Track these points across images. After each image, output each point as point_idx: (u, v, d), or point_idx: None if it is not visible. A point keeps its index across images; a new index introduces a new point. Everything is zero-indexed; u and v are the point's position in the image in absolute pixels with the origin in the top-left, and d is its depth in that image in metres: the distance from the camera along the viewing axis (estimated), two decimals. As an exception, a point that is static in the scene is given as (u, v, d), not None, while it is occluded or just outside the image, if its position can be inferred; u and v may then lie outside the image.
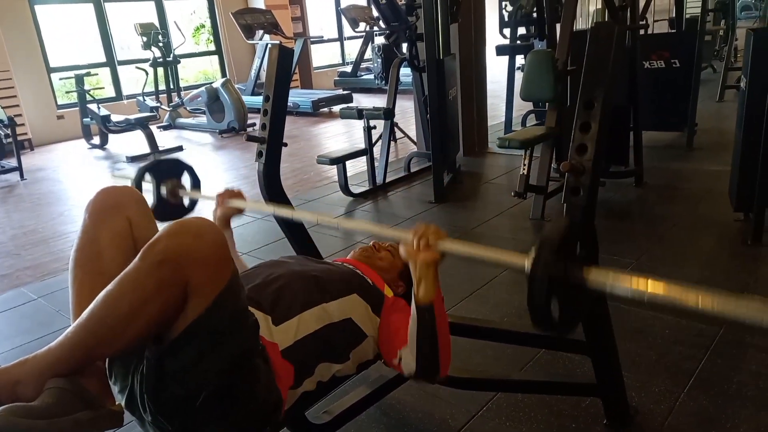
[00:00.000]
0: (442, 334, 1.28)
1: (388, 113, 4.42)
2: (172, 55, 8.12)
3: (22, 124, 7.17)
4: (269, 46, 2.01)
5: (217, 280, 1.01)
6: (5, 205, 5.15)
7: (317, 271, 1.45)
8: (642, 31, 5.49)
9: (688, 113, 4.89)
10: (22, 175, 5.90)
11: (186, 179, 1.94)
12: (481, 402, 1.92)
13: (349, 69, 10.85)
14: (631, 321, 2.38)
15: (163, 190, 1.86)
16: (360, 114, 4.38)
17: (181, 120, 8.37)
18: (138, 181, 1.82)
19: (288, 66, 2.01)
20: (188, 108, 8.25)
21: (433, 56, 3.90)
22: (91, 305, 1.01)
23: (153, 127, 7.23)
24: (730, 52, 7.61)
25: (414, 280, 1.25)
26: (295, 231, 2.16)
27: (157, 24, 8.56)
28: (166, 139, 7.47)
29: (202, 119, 7.99)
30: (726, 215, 3.28)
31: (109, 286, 1.01)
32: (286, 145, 2.11)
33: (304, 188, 4.90)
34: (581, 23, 8.31)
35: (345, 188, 4.34)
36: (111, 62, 8.70)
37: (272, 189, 2.04)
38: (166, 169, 1.90)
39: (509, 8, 5.97)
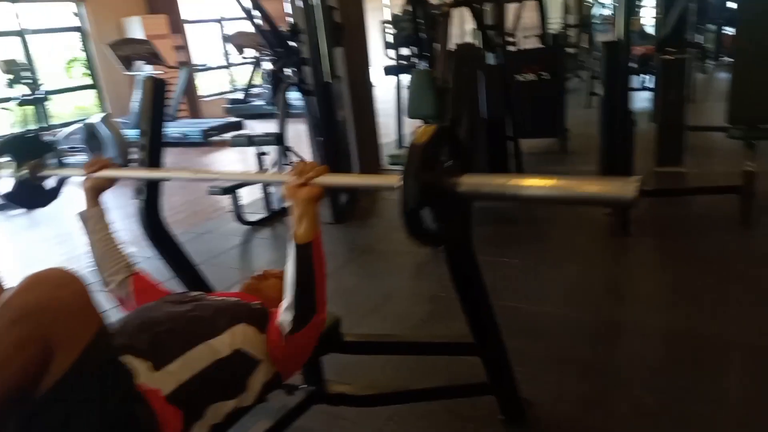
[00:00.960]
0: (319, 273, 1.31)
1: (278, 138, 4.40)
2: (40, 93, 7.56)
3: None
4: (145, 78, 1.93)
5: (81, 333, 0.96)
6: None
7: (198, 308, 1.40)
8: (514, 48, 5.93)
9: (560, 121, 5.32)
10: None
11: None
12: (384, 416, 1.94)
13: (239, 96, 10.68)
14: (519, 319, 2.52)
15: (24, 171, 1.71)
16: (250, 141, 4.32)
17: (56, 160, 7.79)
18: None
19: (161, 97, 1.95)
20: (64, 146, 7.70)
21: (319, 80, 3.95)
22: None
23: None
24: (593, 63, 8.37)
25: (294, 218, 1.26)
26: (184, 267, 2.08)
27: (22, 59, 7.95)
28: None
29: (81, 158, 7.49)
30: (597, 212, 3.58)
31: None
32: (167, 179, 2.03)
33: (197, 221, 4.73)
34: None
35: (239, 217, 4.25)
36: (-31, 101, 7.93)
37: (153, 226, 1.95)
38: (25, 146, 1.75)
39: (392, 30, 6.18)
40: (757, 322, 2.28)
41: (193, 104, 10.68)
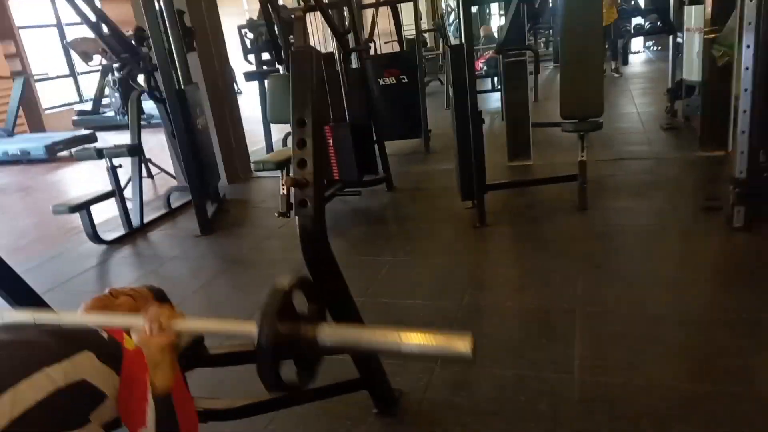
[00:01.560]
0: (185, 423, 1.23)
1: (133, 150, 4.12)
2: None
3: None
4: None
5: None
6: None
7: (37, 333, 1.27)
8: (372, 52, 6.09)
9: (422, 122, 5.57)
10: None
11: None
12: (261, 425, 1.90)
13: (88, 107, 9.85)
14: (391, 313, 2.61)
15: None
16: (100, 153, 4.00)
17: None
18: None
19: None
20: None
21: (171, 86, 3.77)
22: None
23: None
24: (447, 67, 8.87)
25: (149, 367, 1.18)
26: (17, 292, 1.88)
27: None
28: None
29: None
30: (459, 206, 3.80)
31: None
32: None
33: (46, 245, 4.29)
34: (330, 46, 8.86)
35: (94, 236, 3.91)
36: None
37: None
38: None
39: (250, 35, 6.06)
40: (591, 291, 2.57)
41: (36, 117, 9.66)
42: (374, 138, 4.34)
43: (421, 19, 5.52)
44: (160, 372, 1.18)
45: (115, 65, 4.43)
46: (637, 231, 3.20)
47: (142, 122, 4.66)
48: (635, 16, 9.72)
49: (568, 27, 3.19)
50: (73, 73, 11.00)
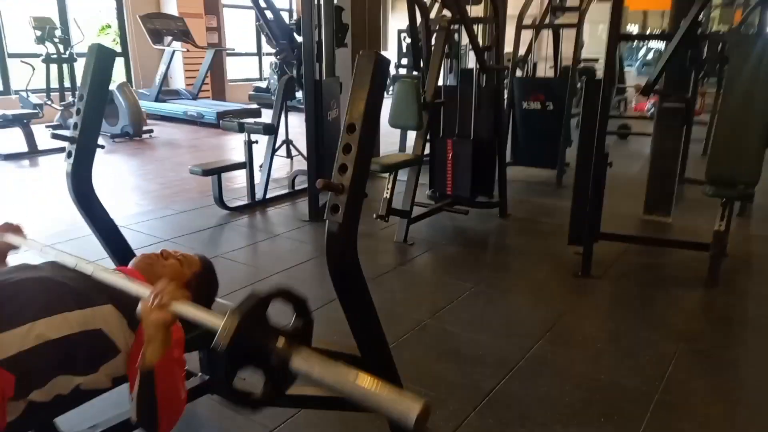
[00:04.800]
0: (165, 400, 1.26)
1: (268, 128, 4.43)
2: (68, 53, 7.74)
3: None
4: (92, 45, 1.96)
5: None
6: None
7: (69, 278, 1.38)
8: (524, 74, 5.88)
9: (560, 154, 5.25)
10: None
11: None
12: (280, 419, 1.91)
13: (264, 84, 10.80)
14: (447, 341, 2.49)
15: None
16: (241, 127, 4.36)
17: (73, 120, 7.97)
18: None
19: (106, 67, 1.98)
20: (82, 108, 7.87)
21: (311, 76, 3.97)
22: None
23: (39, 126, 6.85)
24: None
25: (144, 339, 1.23)
26: (109, 235, 2.10)
27: (56, 19, 8.16)
28: (49, 140, 7.07)
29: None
30: (568, 250, 3.51)
31: None
32: (102, 147, 2.06)
33: (183, 199, 4.78)
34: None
35: (219, 201, 4.28)
36: (0, 54, 8.18)
37: (80, 191, 1.98)
38: None
39: (408, 40, 6.19)
40: (680, 378, 2.21)
41: (220, 86, 10.84)
42: (497, 160, 4.18)
43: (582, 48, 5.17)
44: (151, 347, 1.22)
45: (274, 50, 4.79)
46: (766, 325, 2.70)
47: (298, 106, 4.97)
48: None
49: (736, 80, 2.76)
50: (259, 53, 12.16)
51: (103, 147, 2.07)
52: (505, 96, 5.01)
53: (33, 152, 6.13)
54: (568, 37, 5.45)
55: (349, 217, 1.40)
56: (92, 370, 1.34)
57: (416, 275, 3.30)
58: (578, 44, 4.95)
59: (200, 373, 1.95)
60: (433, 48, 3.72)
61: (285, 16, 5.32)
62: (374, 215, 3.56)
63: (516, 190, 4.70)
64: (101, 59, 1.96)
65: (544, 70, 7.29)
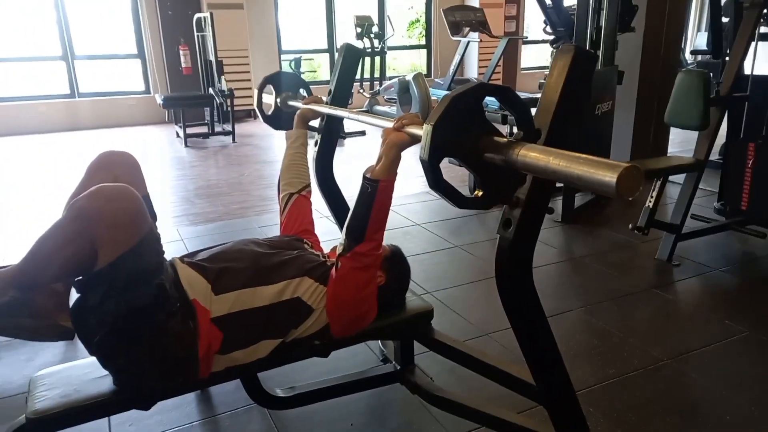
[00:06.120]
0: (377, 212, 1.42)
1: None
2: (381, 47, 8.76)
3: (250, 97, 8.52)
4: (342, 44, 2.18)
5: (120, 242, 1.24)
6: (214, 159, 6.29)
7: (275, 256, 1.59)
8: None
9: None
10: (233, 139, 7.09)
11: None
12: (463, 429, 1.86)
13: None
14: (679, 392, 2.04)
15: (278, 99, 2.24)
16: (504, 119, 4.29)
17: (378, 107, 9.03)
18: (261, 87, 2.21)
19: (352, 65, 2.16)
20: (384, 96, 8.86)
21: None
22: (34, 241, 1.30)
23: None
24: None
25: (379, 156, 1.40)
26: (342, 216, 2.31)
27: (374, 16, 9.31)
28: (354, 124, 8.16)
29: (394, 109, 8.52)
30: None
31: (46, 228, 1.29)
32: (344, 136, 2.27)
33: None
34: None
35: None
36: (331, 48, 9.75)
37: (323, 175, 2.22)
38: (284, 81, 2.27)
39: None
40: None
41: (511, 75, 10.89)
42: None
43: None
44: (383, 163, 1.39)
45: (551, 38, 4.54)
46: None
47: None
48: None
49: None
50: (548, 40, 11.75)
51: (344, 137, 2.27)
52: None
53: (342, 135, 7.18)
54: None
55: (522, 234, 1.25)
56: (282, 334, 1.52)
57: (671, 303, 2.78)
58: None
59: (393, 362, 2.02)
60: (740, 29, 3.00)
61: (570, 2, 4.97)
62: (629, 225, 3.11)
63: None
64: (348, 58, 2.15)
65: None
